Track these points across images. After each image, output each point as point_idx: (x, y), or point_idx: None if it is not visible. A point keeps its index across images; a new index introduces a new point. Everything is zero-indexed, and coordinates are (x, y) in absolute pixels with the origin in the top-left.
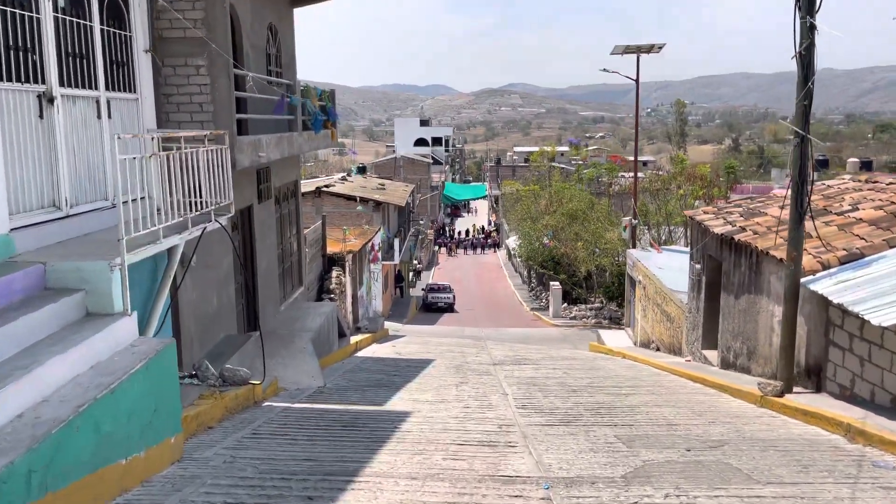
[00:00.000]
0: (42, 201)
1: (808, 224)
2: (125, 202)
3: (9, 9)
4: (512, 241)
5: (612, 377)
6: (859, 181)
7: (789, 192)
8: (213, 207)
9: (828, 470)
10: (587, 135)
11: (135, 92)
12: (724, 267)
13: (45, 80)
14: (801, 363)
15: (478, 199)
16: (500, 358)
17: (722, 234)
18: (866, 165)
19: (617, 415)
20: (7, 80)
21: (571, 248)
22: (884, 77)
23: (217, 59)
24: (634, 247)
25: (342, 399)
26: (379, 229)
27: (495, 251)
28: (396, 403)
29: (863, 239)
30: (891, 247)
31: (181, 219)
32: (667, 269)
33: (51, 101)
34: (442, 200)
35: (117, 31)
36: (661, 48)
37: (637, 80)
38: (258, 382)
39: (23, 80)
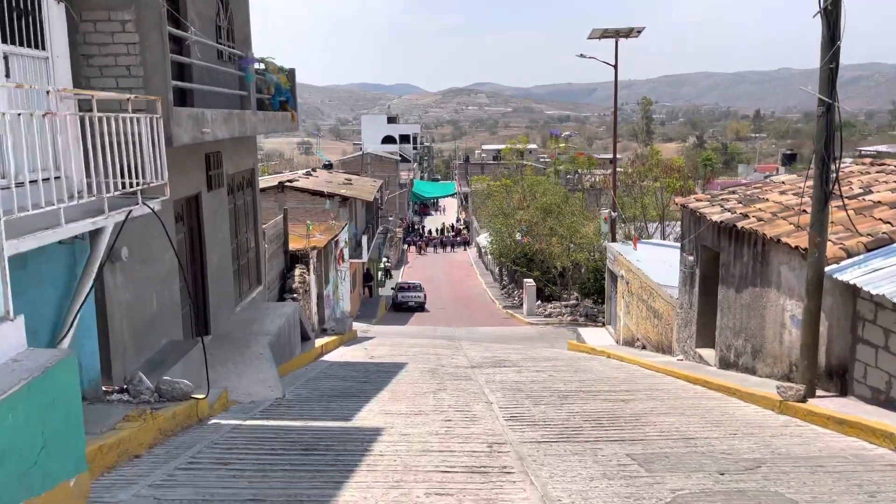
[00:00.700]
0: None
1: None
2: (21, 184)
3: None
4: (483, 239)
5: (602, 380)
6: (863, 164)
7: (811, 169)
8: (139, 187)
9: None
10: (552, 134)
11: (44, 49)
12: (722, 258)
13: None
14: (820, 363)
15: (447, 196)
16: (477, 360)
17: (721, 223)
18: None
19: (621, 426)
20: None
21: (546, 244)
22: (841, 76)
23: (147, 13)
24: (614, 240)
25: (303, 413)
26: (346, 225)
27: (465, 249)
28: (366, 417)
29: (888, 223)
30: None
31: (92, 198)
32: (648, 262)
33: None
34: (411, 198)
35: None
36: (640, 32)
37: (616, 66)
38: (202, 396)
39: None
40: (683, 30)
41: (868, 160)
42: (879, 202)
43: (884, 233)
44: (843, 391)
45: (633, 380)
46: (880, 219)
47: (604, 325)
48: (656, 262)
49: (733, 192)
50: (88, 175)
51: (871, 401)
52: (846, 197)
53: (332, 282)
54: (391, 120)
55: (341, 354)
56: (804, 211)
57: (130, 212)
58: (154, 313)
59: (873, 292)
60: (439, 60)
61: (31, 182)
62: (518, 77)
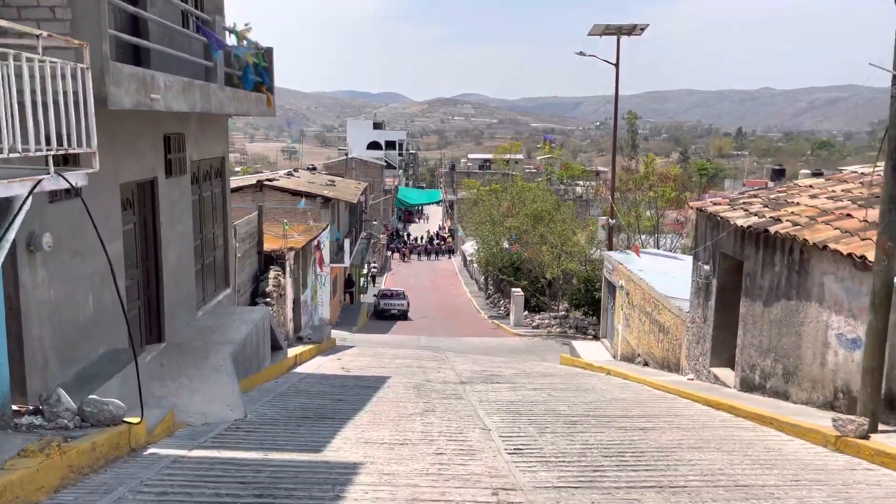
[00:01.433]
0: None
1: (868, 212)
2: None
3: None
4: (469, 247)
5: (610, 402)
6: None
7: (877, 167)
8: (52, 152)
9: None
10: (538, 146)
11: None
12: (746, 267)
13: None
14: None
15: (432, 203)
16: (466, 374)
17: (748, 227)
18: (818, 176)
19: (652, 465)
20: None
21: (536, 252)
22: (819, 97)
23: None
24: (611, 248)
25: (264, 441)
26: (326, 226)
27: (450, 257)
28: (341, 448)
29: None
30: None
31: None
32: (650, 272)
33: None
34: (396, 205)
35: None
36: (643, 29)
37: (617, 65)
38: (137, 421)
39: None
40: (667, 47)
41: None
42: None
43: None
44: None
45: (644, 402)
46: None
47: (595, 337)
48: (658, 272)
49: (754, 196)
50: None
51: None
52: None
53: (311, 286)
54: (377, 126)
55: (317, 366)
56: (849, 215)
57: (38, 182)
58: (89, 317)
59: None
60: (426, 70)
61: None
62: (504, 89)
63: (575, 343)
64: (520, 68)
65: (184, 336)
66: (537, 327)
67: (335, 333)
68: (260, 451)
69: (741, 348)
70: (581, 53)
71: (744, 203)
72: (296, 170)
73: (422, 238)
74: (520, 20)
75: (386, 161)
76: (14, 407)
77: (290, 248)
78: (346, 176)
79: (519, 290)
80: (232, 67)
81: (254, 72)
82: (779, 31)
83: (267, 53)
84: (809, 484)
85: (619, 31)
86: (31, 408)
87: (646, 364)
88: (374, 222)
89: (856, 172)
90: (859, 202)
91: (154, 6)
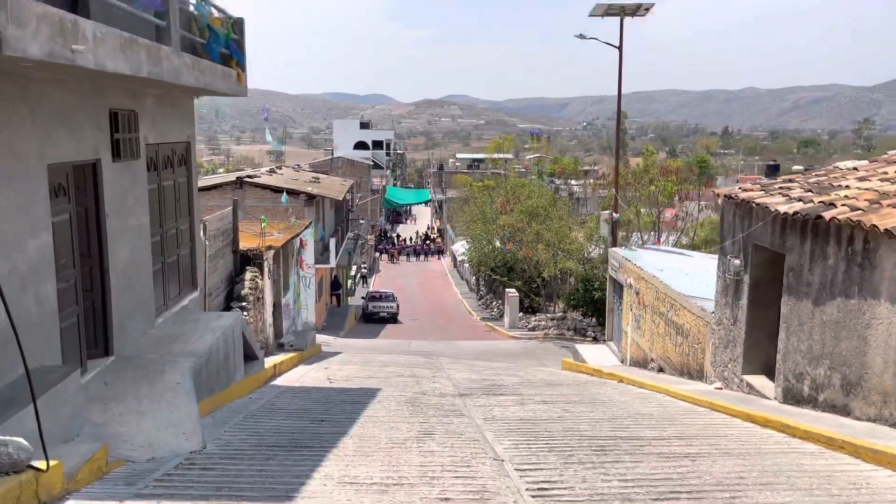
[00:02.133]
0: None
1: None
2: None
3: None
4: (459, 247)
5: (634, 417)
6: None
7: None
8: None
9: None
10: (526, 146)
11: None
12: (789, 261)
13: None
14: None
15: (421, 203)
16: (465, 384)
17: (794, 215)
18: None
19: None
20: None
21: (532, 251)
22: (803, 97)
23: None
24: (616, 245)
25: (222, 484)
26: (309, 223)
27: (440, 258)
28: (318, 493)
29: None
30: None
31: None
32: (663, 270)
33: None
34: (383, 205)
35: None
36: (647, 9)
37: (620, 48)
38: (44, 468)
39: None
40: (654, 47)
41: None
42: None
43: None
44: None
45: (674, 418)
46: None
47: (595, 339)
48: (670, 269)
49: (790, 181)
50: None
51: None
52: None
53: (293, 289)
54: (364, 125)
55: (299, 376)
56: None
57: None
58: (3, 326)
59: None
60: (413, 72)
61: None
62: (491, 90)
63: (578, 346)
64: (506, 69)
65: (138, 347)
66: (533, 329)
67: (321, 338)
68: (215, 499)
69: (784, 354)
70: (581, 36)
71: (780, 189)
72: (279, 167)
73: (412, 238)
74: (506, 21)
75: (373, 161)
76: None
77: (269, 247)
78: (333, 175)
79: (513, 290)
80: (193, 33)
81: (223, 42)
82: (762, 31)
83: (237, 24)
84: None
85: (623, 11)
86: None
87: (661, 370)
88: (362, 221)
89: (874, 160)
90: None
91: None
